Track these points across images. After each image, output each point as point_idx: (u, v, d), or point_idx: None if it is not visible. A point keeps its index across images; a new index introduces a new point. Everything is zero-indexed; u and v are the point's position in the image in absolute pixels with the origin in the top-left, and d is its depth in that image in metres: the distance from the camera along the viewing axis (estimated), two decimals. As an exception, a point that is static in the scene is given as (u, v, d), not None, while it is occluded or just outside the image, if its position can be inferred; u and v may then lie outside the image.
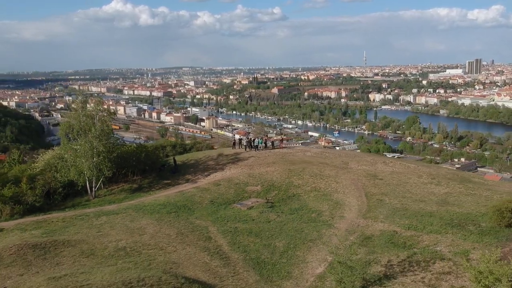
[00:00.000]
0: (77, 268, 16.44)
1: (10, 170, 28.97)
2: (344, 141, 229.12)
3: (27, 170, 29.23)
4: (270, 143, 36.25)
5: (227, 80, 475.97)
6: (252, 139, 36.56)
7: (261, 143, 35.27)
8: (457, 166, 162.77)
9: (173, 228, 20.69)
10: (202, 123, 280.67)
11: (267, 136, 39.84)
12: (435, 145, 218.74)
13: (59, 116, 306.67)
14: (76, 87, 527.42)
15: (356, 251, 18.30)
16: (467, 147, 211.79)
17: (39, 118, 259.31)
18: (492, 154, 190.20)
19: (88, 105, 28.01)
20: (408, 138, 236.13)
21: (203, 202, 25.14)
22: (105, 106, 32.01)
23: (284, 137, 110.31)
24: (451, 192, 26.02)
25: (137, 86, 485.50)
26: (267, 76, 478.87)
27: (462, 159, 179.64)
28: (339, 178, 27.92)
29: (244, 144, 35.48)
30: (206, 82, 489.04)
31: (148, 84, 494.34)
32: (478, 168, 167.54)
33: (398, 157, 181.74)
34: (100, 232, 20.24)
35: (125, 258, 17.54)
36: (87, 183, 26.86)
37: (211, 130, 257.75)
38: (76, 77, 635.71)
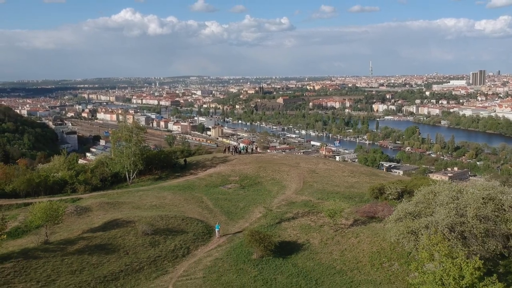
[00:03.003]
0: (132, 212, 32.50)
1: (74, 166, 45.13)
2: (345, 151, 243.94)
3: (85, 165, 45.52)
4: (250, 149, 52.23)
5: (233, 90, 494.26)
6: (236, 146, 52.67)
7: (243, 149, 51.37)
8: (450, 175, 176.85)
9: (182, 197, 36.76)
10: (209, 132, 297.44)
11: (248, 144, 55.71)
12: (432, 155, 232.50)
13: (70, 124, 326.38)
14: (86, 96, 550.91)
15: (281, 207, 34.19)
16: (463, 157, 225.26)
17: (53, 126, 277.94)
18: (485, 163, 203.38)
19: (128, 121, 44.20)
20: (407, 148, 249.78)
21: (201, 185, 41.15)
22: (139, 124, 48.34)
23: (260, 144, 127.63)
24: (359, 181, 41.71)
25: (145, 95, 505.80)
26: (273, 85, 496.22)
27: (455, 168, 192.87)
28: (290, 172, 43.78)
29: (231, 150, 51.62)
30: (213, 92, 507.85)
31: (156, 93, 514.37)
32: (470, 177, 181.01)
33: (394, 166, 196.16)
34: (141, 198, 36.39)
35: (156, 209, 33.57)
36: (127, 174, 43.00)
37: (217, 139, 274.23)
38: (85, 85, 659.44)
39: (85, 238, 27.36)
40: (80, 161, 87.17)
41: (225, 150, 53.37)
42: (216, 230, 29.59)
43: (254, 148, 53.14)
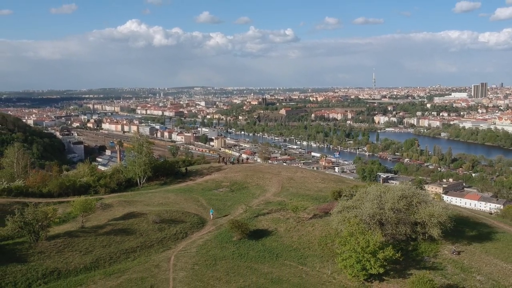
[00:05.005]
0: (144, 207, 42.94)
1: (95, 172, 55.67)
2: (344, 162, 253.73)
3: (104, 172, 56.09)
4: (241, 160, 62.70)
5: (237, 101, 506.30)
6: (229, 157, 63.30)
7: (234, 160, 61.89)
8: (444, 185, 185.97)
9: (182, 197, 47.21)
10: (211, 143, 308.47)
11: (239, 155, 66.18)
12: (430, 167, 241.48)
13: (76, 134, 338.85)
14: (91, 106, 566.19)
15: (260, 206, 44.51)
16: (460, 168, 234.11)
17: (60, 136, 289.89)
18: (480, 175, 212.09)
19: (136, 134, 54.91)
20: (406, 160, 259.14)
21: (198, 189, 51.57)
22: (149, 140, 59.15)
23: (248, 156, 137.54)
24: (327, 186, 51.92)
25: (149, 105, 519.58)
26: (276, 97, 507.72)
27: (450, 180, 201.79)
28: (272, 179, 54.15)
29: (225, 160, 62.22)
30: (217, 103, 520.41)
31: (161, 104, 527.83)
32: (465, 188, 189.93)
33: (391, 177, 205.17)
34: (150, 198, 46.87)
35: (162, 206, 43.99)
36: (138, 180, 53.50)
37: (220, 149, 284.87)
38: (90, 96, 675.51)
39: (111, 224, 37.81)
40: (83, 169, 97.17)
41: (219, 160, 63.90)
42: (211, 213, 41.29)
43: (244, 159, 63.62)
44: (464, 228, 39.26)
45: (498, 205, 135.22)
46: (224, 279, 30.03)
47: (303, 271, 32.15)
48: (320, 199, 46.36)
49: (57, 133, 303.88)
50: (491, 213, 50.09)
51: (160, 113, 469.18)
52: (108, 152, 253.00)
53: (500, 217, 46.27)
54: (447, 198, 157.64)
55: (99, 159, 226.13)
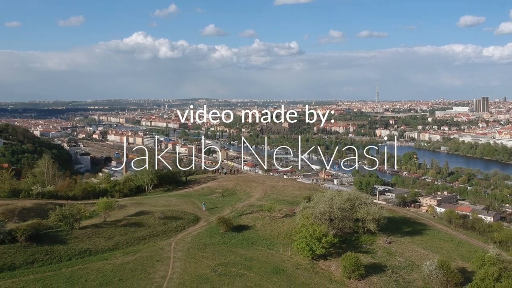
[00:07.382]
0: (151, 207, 55.17)
1: (110, 180, 67.94)
2: (344, 174, 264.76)
3: (117, 180, 68.45)
4: (233, 171, 74.80)
5: (241, 113, 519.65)
6: (223, 168, 75.67)
7: (226, 170, 74.06)
8: (438, 198, 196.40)
9: (182, 201, 59.43)
10: (214, 155, 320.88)
11: (232, 167, 78.33)
12: (427, 180, 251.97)
13: (82, 145, 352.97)
14: (96, 117, 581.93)
15: (244, 207, 56.61)
16: (456, 182, 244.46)
17: (68, 147, 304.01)
18: (474, 188, 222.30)
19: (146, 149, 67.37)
20: (404, 173, 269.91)
21: (195, 194, 63.73)
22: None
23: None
24: (302, 193, 63.87)
25: (154, 117, 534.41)
26: (279, 109, 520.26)
27: (445, 193, 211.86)
28: (257, 187, 66.23)
29: (219, 171, 74.51)
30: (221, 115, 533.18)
31: (165, 116, 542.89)
32: (459, 201, 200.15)
33: (388, 190, 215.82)
34: (156, 201, 59.15)
35: (166, 207, 56.20)
36: (146, 186, 65.72)
37: (222, 161, 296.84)
38: (96, 107, 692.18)
39: (126, 219, 50.03)
40: (95, 180, 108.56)
41: (214, 171, 76.25)
42: (203, 206, 54.56)
43: (236, 170, 75.83)
44: (402, 226, 51.17)
45: (489, 217, 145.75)
46: (211, 258, 42.06)
47: (269, 253, 44.10)
48: (294, 203, 58.29)
49: (64, 144, 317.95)
50: (434, 216, 61.47)
51: (164, 125, 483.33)
52: (113, 163, 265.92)
53: (439, 219, 57.77)
54: (440, 210, 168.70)
55: (105, 170, 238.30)
